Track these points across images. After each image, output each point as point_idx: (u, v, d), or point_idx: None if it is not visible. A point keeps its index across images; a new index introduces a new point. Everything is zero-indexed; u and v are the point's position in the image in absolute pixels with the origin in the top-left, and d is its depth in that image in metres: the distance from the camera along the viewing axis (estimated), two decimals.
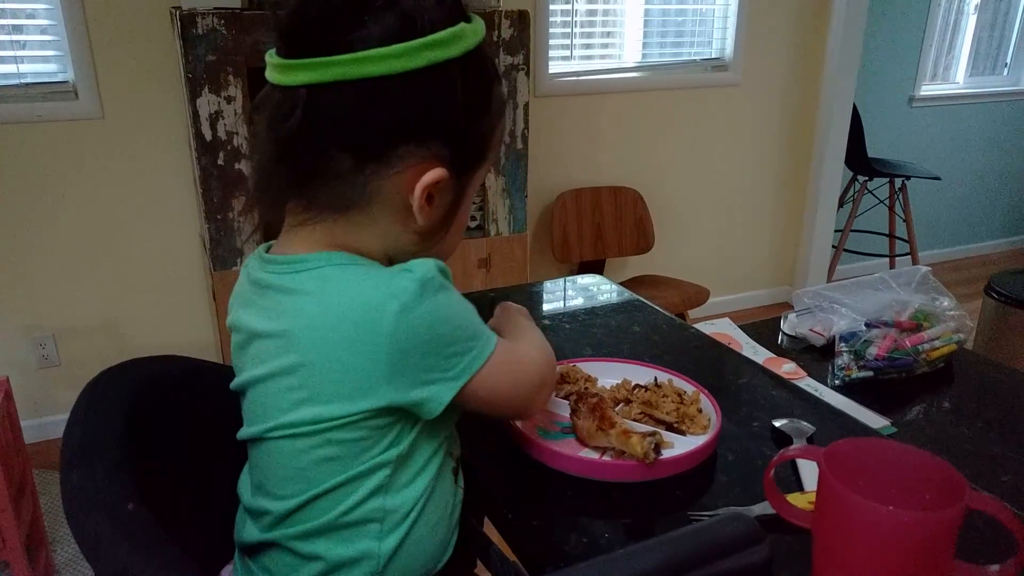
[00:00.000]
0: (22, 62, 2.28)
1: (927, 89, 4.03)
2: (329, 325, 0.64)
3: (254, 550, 0.74)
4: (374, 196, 0.66)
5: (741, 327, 1.41)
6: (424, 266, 0.65)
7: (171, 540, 0.56)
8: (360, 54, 0.61)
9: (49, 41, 2.29)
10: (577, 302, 1.31)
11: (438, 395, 0.66)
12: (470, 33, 0.66)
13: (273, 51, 0.65)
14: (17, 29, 2.26)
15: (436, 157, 0.66)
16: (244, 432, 0.73)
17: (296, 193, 0.68)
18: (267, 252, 0.72)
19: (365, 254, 0.69)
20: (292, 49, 0.63)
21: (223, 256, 2.19)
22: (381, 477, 0.68)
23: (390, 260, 0.70)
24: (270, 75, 0.65)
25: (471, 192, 0.73)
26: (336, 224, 0.68)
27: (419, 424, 0.69)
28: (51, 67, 2.31)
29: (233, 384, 0.74)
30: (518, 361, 0.74)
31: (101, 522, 0.54)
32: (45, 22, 2.27)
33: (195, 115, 2.07)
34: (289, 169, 0.67)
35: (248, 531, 0.75)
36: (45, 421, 2.48)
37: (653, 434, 0.78)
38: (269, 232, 0.77)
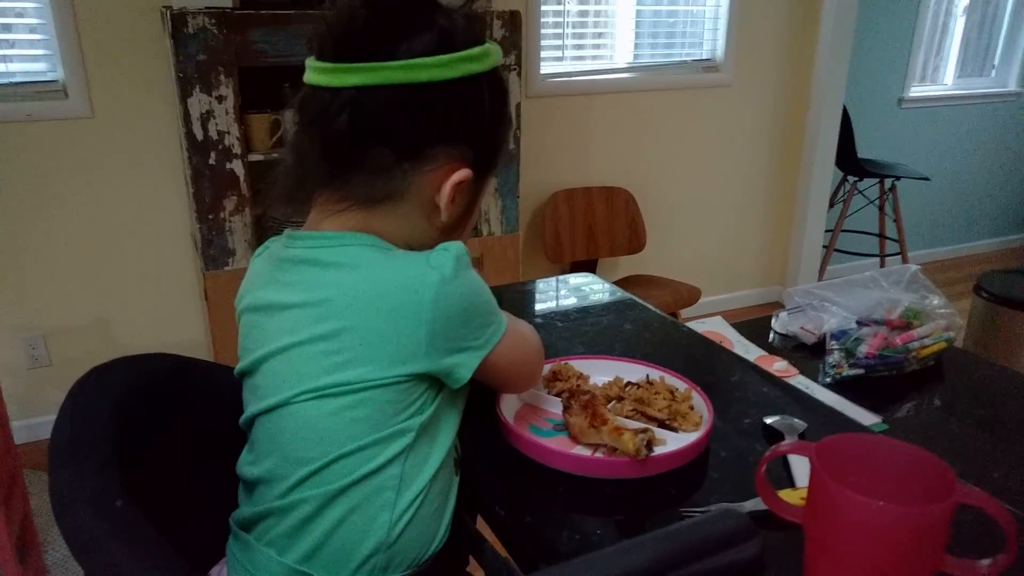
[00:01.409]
0: (11, 61, 2.27)
1: (916, 90, 4.06)
2: (373, 293, 0.70)
3: (254, 523, 0.75)
4: (408, 191, 0.73)
5: (733, 325, 1.41)
6: (456, 246, 0.72)
7: (160, 537, 0.56)
8: (407, 62, 0.69)
9: (38, 40, 2.27)
10: (569, 301, 1.31)
11: (468, 362, 0.73)
12: (494, 52, 0.75)
13: (313, 58, 0.72)
14: (6, 28, 2.25)
15: (464, 158, 0.74)
16: (258, 406, 0.75)
17: (334, 185, 0.74)
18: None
19: (391, 244, 0.74)
20: (342, 54, 0.70)
21: (214, 256, 2.19)
22: (403, 444, 0.72)
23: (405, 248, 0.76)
24: (313, 78, 0.71)
25: (482, 197, 0.81)
26: (369, 215, 0.74)
27: (440, 397, 0.74)
28: (40, 66, 2.30)
29: (245, 363, 0.77)
30: (523, 335, 0.82)
31: (89, 519, 0.54)
32: (34, 21, 2.25)
33: (186, 115, 2.06)
34: (333, 163, 0.73)
35: (251, 503, 0.76)
36: (36, 422, 2.46)
37: (645, 431, 0.79)
38: (261, 234, 0.79)
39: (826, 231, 3.75)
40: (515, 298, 1.34)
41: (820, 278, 3.79)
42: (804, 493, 0.64)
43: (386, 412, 0.71)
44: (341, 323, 0.69)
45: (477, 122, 0.74)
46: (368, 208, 0.74)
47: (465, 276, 0.71)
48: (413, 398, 0.72)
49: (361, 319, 0.69)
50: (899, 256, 3.91)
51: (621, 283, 3.07)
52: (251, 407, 0.77)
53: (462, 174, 0.74)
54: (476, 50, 0.72)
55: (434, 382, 0.73)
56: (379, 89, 0.69)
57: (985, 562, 0.56)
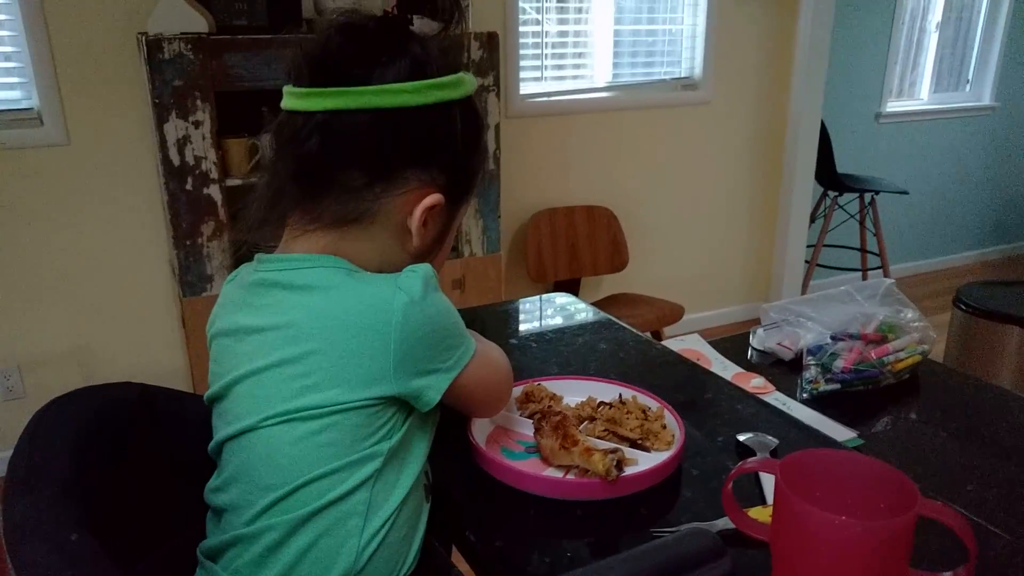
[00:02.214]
0: None
1: (893, 105, 4.11)
2: (340, 315, 0.70)
3: (221, 552, 0.74)
4: (379, 213, 0.74)
5: (711, 343, 1.41)
6: (424, 268, 0.73)
7: (117, 571, 0.55)
8: (379, 87, 0.71)
9: (13, 68, 2.27)
10: (545, 321, 1.31)
11: (436, 384, 0.73)
12: (468, 82, 0.77)
13: (291, 85, 0.74)
14: None
15: (435, 183, 0.75)
16: (226, 431, 0.74)
17: (305, 206, 0.75)
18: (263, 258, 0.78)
19: (361, 267, 0.74)
20: (317, 80, 0.72)
21: (192, 282, 2.17)
22: (371, 469, 0.71)
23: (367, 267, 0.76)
24: (289, 103, 0.73)
25: (457, 222, 0.82)
26: (340, 237, 0.74)
27: (409, 421, 0.74)
28: (15, 94, 2.29)
29: (215, 388, 0.76)
30: (491, 358, 0.83)
31: (42, 552, 0.53)
32: (9, 49, 2.25)
33: (162, 140, 2.06)
34: (304, 184, 0.74)
35: (218, 531, 0.75)
36: (9, 455, 2.42)
37: (615, 451, 0.78)
38: (239, 260, 0.79)
39: (808, 246, 3.77)
40: (490, 319, 1.33)
41: (803, 293, 3.81)
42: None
43: (354, 436, 0.70)
44: (309, 346, 0.69)
45: (449, 149, 0.75)
46: (339, 230, 0.74)
47: (433, 298, 0.72)
48: (381, 422, 0.71)
49: (328, 342, 0.69)
50: (880, 270, 3.94)
51: (604, 302, 3.08)
52: (219, 432, 0.76)
53: (433, 199, 0.75)
54: (449, 78, 0.74)
55: (403, 406, 0.73)
56: (351, 113, 0.71)
57: (947, 574, 0.56)
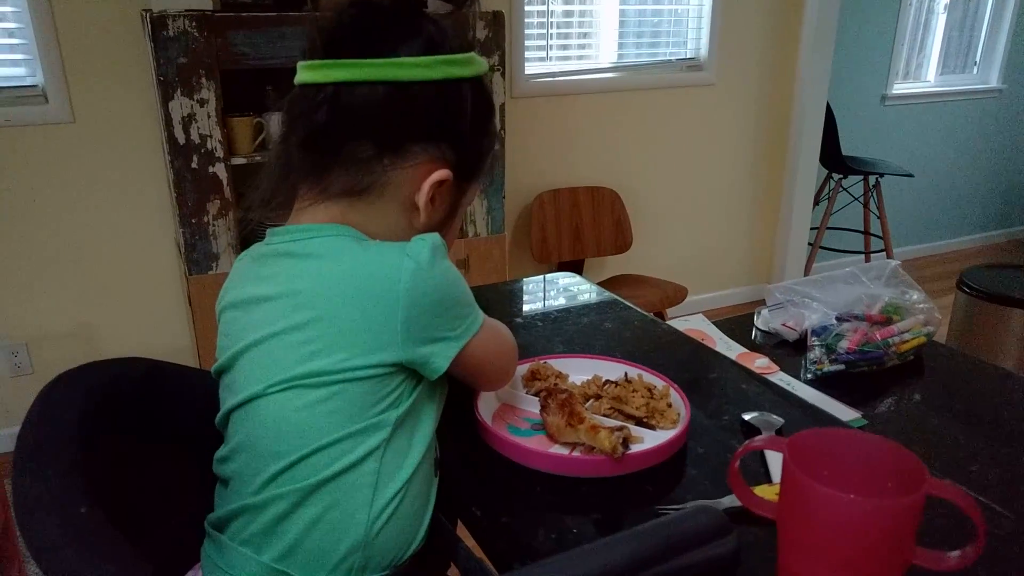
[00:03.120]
0: None
1: (899, 88, 4.08)
2: (346, 281, 0.70)
3: (228, 522, 0.74)
4: (387, 185, 0.75)
5: (715, 323, 1.41)
6: (433, 236, 0.72)
7: (125, 543, 0.55)
8: (391, 60, 0.71)
9: (17, 45, 2.25)
10: (550, 301, 1.31)
11: (444, 351, 0.73)
12: (479, 62, 0.77)
13: (303, 60, 0.75)
14: None
15: (444, 159, 0.75)
16: (233, 400, 0.75)
17: (314, 177, 0.76)
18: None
19: (362, 231, 0.75)
20: (330, 52, 0.72)
21: (198, 260, 2.17)
22: (379, 439, 0.72)
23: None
24: (303, 76, 0.74)
25: (465, 203, 0.82)
26: (348, 208, 0.75)
27: (418, 391, 0.74)
28: (20, 71, 2.28)
29: (223, 359, 0.76)
30: (499, 331, 0.83)
31: (51, 525, 0.53)
32: (13, 25, 2.23)
33: (167, 118, 2.05)
34: (313, 155, 0.75)
35: (226, 501, 0.75)
36: (17, 431, 2.43)
37: (621, 428, 0.78)
38: (245, 238, 0.80)
39: (811, 228, 3.76)
40: (496, 298, 1.33)
41: (806, 275, 3.80)
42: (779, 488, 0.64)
43: (361, 404, 0.71)
44: (314, 312, 0.70)
45: (459, 126, 0.76)
46: (347, 201, 0.75)
47: (441, 266, 0.72)
48: (388, 390, 0.72)
49: (334, 307, 0.70)
50: (884, 252, 3.93)
51: (608, 283, 3.08)
52: (226, 403, 0.76)
53: (442, 174, 0.75)
54: (461, 56, 0.75)
55: (411, 374, 0.73)
56: (362, 85, 0.72)
57: (954, 553, 0.56)
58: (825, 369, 1.22)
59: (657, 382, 0.93)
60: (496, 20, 2.42)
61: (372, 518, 0.72)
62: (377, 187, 0.75)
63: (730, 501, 0.73)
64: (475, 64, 0.77)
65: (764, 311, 1.41)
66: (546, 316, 1.22)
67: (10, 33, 2.24)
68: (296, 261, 0.73)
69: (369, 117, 0.73)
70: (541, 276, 1.43)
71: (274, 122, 2.18)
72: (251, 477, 0.73)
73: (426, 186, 0.75)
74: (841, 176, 3.77)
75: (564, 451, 0.82)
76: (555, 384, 0.93)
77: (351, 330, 0.69)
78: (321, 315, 0.70)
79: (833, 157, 3.68)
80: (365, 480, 0.71)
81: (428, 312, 0.71)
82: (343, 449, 0.71)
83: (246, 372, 0.74)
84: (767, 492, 0.72)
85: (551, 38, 3.02)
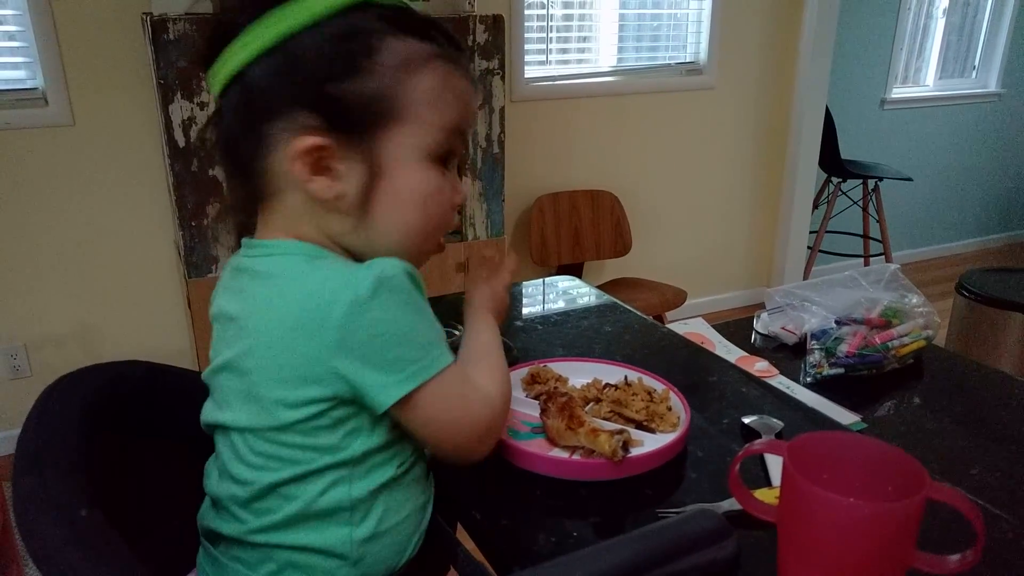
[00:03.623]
0: None
1: (898, 92, 4.09)
2: (280, 308, 0.65)
3: (219, 539, 0.74)
4: (274, 180, 0.68)
5: (715, 327, 1.41)
6: (386, 264, 0.65)
7: (125, 546, 0.55)
8: (231, 46, 0.66)
9: (18, 47, 2.26)
10: (549, 304, 1.31)
11: (383, 391, 0.64)
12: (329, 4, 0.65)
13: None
14: None
15: (306, 127, 0.65)
16: (209, 418, 0.73)
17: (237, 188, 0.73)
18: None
19: (320, 244, 0.70)
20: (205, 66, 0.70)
21: (198, 263, 2.17)
22: (341, 473, 0.68)
23: (351, 254, 0.71)
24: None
25: (397, 163, 0.68)
26: (273, 214, 0.70)
27: (384, 419, 0.68)
28: (20, 74, 2.28)
29: (206, 372, 0.74)
30: (467, 395, 0.70)
31: (51, 528, 0.53)
32: (13, 28, 2.24)
33: (167, 121, 2.05)
34: (224, 170, 0.74)
35: (214, 521, 0.74)
36: (15, 434, 2.43)
37: (621, 432, 0.78)
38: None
39: (811, 232, 3.77)
40: None
41: (805, 279, 3.81)
42: (779, 492, 0.64)
43: (314, 440, 0.66)
44: (249, 342, 0.67)
45: (303, 85, 0.65)
46: (264, 205, 0.71)
47: (386, 300, 0.63)
48: (336, 422, 0.66)
49: (266, 336, 0.65)
50: (883, 256, 3.93)
51: (607, 286, 3.08)
52: (206, 414, 0.75)
53: (302, 143, 0.65)
54: (283, 9, 0.65)
55: (359, 410, 0.67)
56: (226, 89, 0.68)
57: (954, 557, 0.56)
58: (824, 373, 1.22)
59: (657, 385, 0.93)
60: (496, 24, 2.43)
61: (355, 543, 0.69)
62: (270, 187, 0.69)
63: (730, 505, 0.73)
64: (306, 3, 0.65)
65: (763, 315, 1.41)
66: (546, 319, 1.22)
67: (10, 36, 2.25)
68: (250, 280, 0.70)
69: (232, 119, 0.68)
70: (540, 279, 1.43)
71: None
72: (229, 504, 0.71)
73: (294, 163, 0.65)
74: (840, 180, 3.78)
75: (564, 454, 0.82)
76: (555, 387, 0.93)
77: (278, 364, 0.65)
78: (253, 346, 0.66)
79: (832, 161, 3.69)
80: (339, 509, 0.68)
81: (362, 348, 0.63)
82: (305, 486, 0.67)
83: (216, 396, 0.73)
84: (767, 496, 0.72)
85: (551, 42, 3.03)
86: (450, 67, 0.69)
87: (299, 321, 0.64)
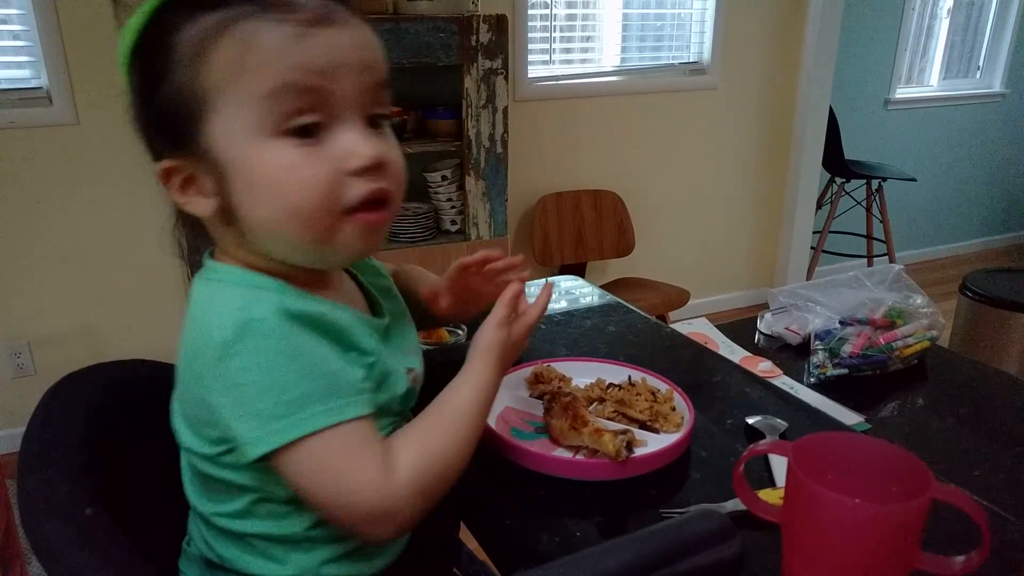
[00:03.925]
0: None
1: (902, 92, 4.08)
2: (184, 341, 0.62)
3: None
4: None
5: (718, 327, 1.41)
6: (256, 304, 0.58)
7: (130, 546, 0.55)
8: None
9: (22, 47, 2.26)
10: (553, 304, 1.31)
11: (249, 444, 0.57)
12: (129, 27, 0.60)
13: None
14: None
15: (157, 152, 0.63)
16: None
17: None
18: None
19: (248, 266, 0.65)
20: None
21: (200, 263, 2.17)
22: (269, 509, 0.64)
23: (263, 267, 0.65)
24: None
25: (232, 154, 0.59)
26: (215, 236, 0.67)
27: None
28: (24, 73, 2.29)
29: None
30: (349, 472, 0.58)
31: (57, 527, 0.53)
32: (18, 27, 2.24)
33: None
34: None
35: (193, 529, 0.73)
36: (20, 431, 2.42)
37: (625, 432, 0.78)
38: None
39: (814, 232, 3.76)
40: None
41: (808, 279, 3.80)
42: (784, 492, 0.64)
43: (236, 476, 0.63)
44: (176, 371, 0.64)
45: (138, 106, 0.62)
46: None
47: (249, 347, 0.56)
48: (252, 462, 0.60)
49: (178, 367, 0.63)
50: (886, 256, 3.93)
51: (610, 286, 3.08)
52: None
53: (156, 168, 0.63)
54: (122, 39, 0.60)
55: None
56: None
57: (960, 559, 0.56)
58: (828, 373, 1.22)
59: (661, 386, 0.93)
60: (499, 24, 2.43)
61: (308, 570, 0.65)
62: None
63: (734, 505, 0.73)
64: (125, 33, 0.60)
65: (767, 315, 1.41)
66: (549, 319, 1.22)
67: (15, 35, 2.25)
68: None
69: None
70: (544, 279, 1.43)
71: None
72: (194, 517, 0.70)
73: (169, 193, 0.63)
74: (844, 180, 3.77)
75: (568, 454, 0.82)
76: (559, 387, 0.93)
77: (184, 399, 0.63)
78: (178, 374, 0.64)
79: (836, 161, 3.68)
80: (278, 542, 0.65)
81: (230, 395, 0.57)
82: (242, 519, 0.65)
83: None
84: (771, 496, 0.72)
85: (554, 41, 3.03)
86: (250, 23, 0.57)
87: (191, 359, 0.61)
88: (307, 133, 0.59)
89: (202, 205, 0.62)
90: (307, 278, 0.65)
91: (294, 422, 0.56)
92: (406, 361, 0.73)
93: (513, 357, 0.73)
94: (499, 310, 0.71)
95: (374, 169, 0.61)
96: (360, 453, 0.58)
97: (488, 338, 0.70)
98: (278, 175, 0.58)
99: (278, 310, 0.57)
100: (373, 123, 0.63)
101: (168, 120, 0.60)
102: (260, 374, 0.56)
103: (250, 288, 0.62)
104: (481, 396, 0.67)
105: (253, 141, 0.58)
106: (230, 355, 0.56)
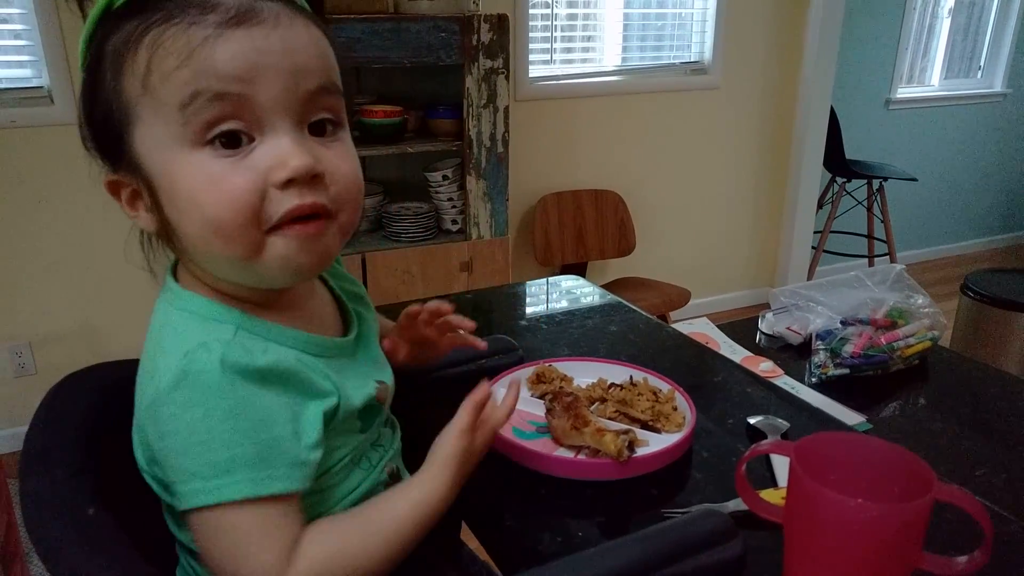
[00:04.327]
0: None
1: (903, 92, 4.08)
2: (140, 365, 0.61)
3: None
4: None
5: (719, 327, 1.41)
6: (203, 356, 0.55)
7: (132, 546, 0.55)
8: None
9: (24, 46, 2.26)
10: (554, 303, 1.31)
11: (177, 496, 0.56)
12: (81, 39, 0.60)
13: None
14: None
15: (103, 167, 0.62)
16: None
17: None
18: None
19: (194, 280, 0.64)
20: None
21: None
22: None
23: (218, 288, 0.63)
24: None
25: (154, 164, 0.57)
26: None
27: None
28: (26, 72, 2.29)
29: None
30: (246, 556, 0.55)
31: (59, 527, 0.53)
32: (19, 27, 2.24)
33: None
34: None
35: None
36: (21, 431, 2.42)
37: (627, 432, 0.78)
38: None
39: (815, 232, 3.76)
40: (500, 301, 1.33)
41: (809, 279, 3.80)
42: (785, 492, 0.64)
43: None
44: None
45: (84, 113, 0.60)
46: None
47: (183, 398, 0.54)
48: None
49: (136, 395, 0.61)
50: (887, 256, 3.93)
51: (611, 286, 3.08)
52: None
53: (102, 182, 0.62)
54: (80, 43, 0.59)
55: None
56: None
57: (962, 559, 0.56)
58: (830, 373, 1.22)
59: (662, 385, 0.93)
60: (500, 23, 2.43)
61: None
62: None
63: (736, 505, 0.73)
64: (82, 38, 0.60)
65: (768, 315, 1.41)
66: (550, 319, 1.22)
67: (16, 35, 2.25)
68: None
69: None
70: (544, 279, 1.43)
71: None
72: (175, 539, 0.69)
73: (122, 205, 0.62)
74: (845, 180, 3.77)
75: (569, 454, 0.82)
76: (560, 387, 0.93)
77: (137, 426, 0.61)
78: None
79: (837, 161, 3.68)
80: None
81: (162, 442, 0.56)
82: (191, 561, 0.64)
83: None
84: (773, 496, 0.72)
85: (555, 41, 3.03)
86: (162, 28, 0.54)
87: (139, 392, 0.59)
88: (233, 143, 0.55)
89: (146, 220, 0.60)
90: (264, 297, 0.63)
91: (215, 487, 0.54)
92: (375, 374, 0.70)
93: (476, 463, 0.68)
94: (463, 417, 0.66)
95: (306, 181, 0.56)
96: (266, 535, 0.55)
97: (448, 448, 0.65)
98: (197, 187, 0.55)
99: (223, 362, 0.54)
100: (318, 129, 0.59)
101: (102, 132, 0.58)
102: (189, 430, 0.54)
103: (205, 322, 0.59)
104: (425, 512, 0.62)
105: (174, 152, 0.55)
106: (164, 403, 0.54)
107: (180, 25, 0.54)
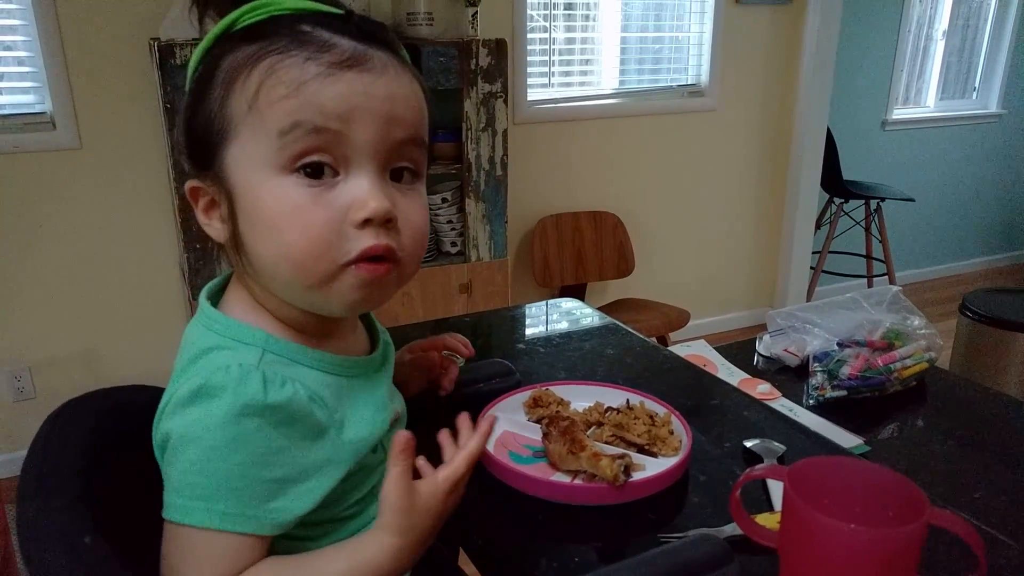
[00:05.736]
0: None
1: (899, 113, 4.11)
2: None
3: None
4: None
5: (717, 348, 1.42)
6: (219, 379, 0.57)
7: (131, 574, 0.55)
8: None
9: (27, 72, 2.29)
10: (552, 325, 1.31)
11: (164, 502, 0.59)
12: (196, 50, 0.62)
13: None
14: None
15: (189, 173, 0.64)
16: None
17: None
18: None
19: (245, 291, 0.66)
20: None
21: (202, 286, 2.18)
22: None
23: (269, 304, 0.65)
24: None
25: (242, 182, 0.59)
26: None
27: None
28: (29, 98, 2.31)
29: None
30: (183, 572, 0.58)
31: (55, 555, 0.53)
32: (23, 54, 2.27)
33: (173, 145, 2.07)
34: None
35: None
36: (20, 456, 2.42)
37: (623, 456, 0.78)
38: None
39: (813, 253, 3.77)
40: (499, 323, 1.34)
41: (808, 299, 3.81)
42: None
43: None
44: None
45: (182, 129, 0.63)
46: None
47: (196, 414, 0.56)
48: None
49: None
50: (886, 277, 3.93)
51: (610, 307, 3.08)
52: None
53: (185, 187, 0.64)
54: (192, 57, 0.63)
55: None
56: None
57: None
58: (827, 395, 1.22)
59: (659, 409, 0.93)
60: (499, 47, 2.45)
61: None
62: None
63: (732, 529, 0.73)
64: (194, 55, 0.62)
65: (766, 337, 1.41)
66: (548, 341, 1.23)
67: (19, 61, 2.28)
68: None
69: None
70: (543, 301, 1.44)
71: None
72: None
73: (198, 211, 0.64)
74: (842, 201, 3.79)
75: (566, 479, 0.82)
76: (557, 411, 0.93)
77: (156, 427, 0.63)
78: None
79: (834, 182, 3.70)
80: None
81: (162, 448, 0.60)
82: None
83: None
84: (769, 520, 0.72)
85: (553, 64, 3.05)
86: (279, 58, 0.57)
87: (164, 396, 0.62)
88: (318, 174, 0.58)
89: (218, 230, 0.63)
90: (311, 320, 0.65)
91: (190, 508, 0.56)
92: (395, 399, 0.73)
93: (431, 523, 0.64)
94: (399, 459, 0.62)
95: (381, 223, 0.59)
96: (215, 564, 0.57)
97: (395, 503, 0.61)
98: (280, 212, 0.58)
99: (237, 392, 0.56)
100: (397, 176, 0.62)
101: (199, 140, 0.61)
102: (188, 446, 0.57)
103: (232, 343, 0.61)
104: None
105: (264, 173, 0.58)
106: (175, 412, 0.58)
107: (296, 58, 0.57)
